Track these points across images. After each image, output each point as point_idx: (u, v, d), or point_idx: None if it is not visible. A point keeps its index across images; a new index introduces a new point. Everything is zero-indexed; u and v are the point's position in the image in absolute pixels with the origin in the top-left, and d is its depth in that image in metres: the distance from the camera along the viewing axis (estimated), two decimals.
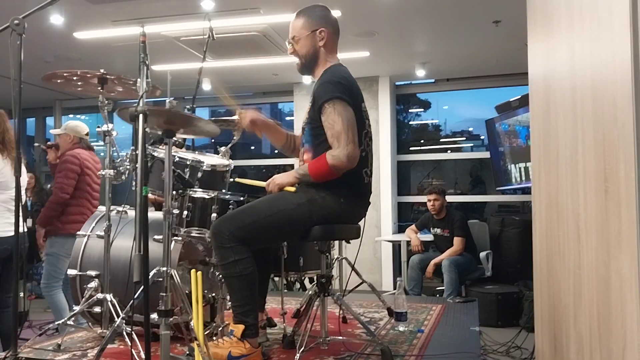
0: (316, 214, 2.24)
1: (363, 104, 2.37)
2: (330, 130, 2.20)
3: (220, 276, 2.46)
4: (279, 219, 2.22)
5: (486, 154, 6.53)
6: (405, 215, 7.04)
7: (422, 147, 7.36)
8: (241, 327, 2.16)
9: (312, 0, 2.45)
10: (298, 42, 2.38)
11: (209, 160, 2.76)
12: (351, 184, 2.29)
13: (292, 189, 2.31)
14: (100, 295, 2.56)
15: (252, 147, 8.97)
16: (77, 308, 2.61)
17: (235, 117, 2.55)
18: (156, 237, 2.47)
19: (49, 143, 4.30)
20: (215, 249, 2.22)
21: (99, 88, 2.65)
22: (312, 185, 2.29)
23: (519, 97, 5.63)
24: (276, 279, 4.08)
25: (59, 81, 2.71)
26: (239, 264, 2.15)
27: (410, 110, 7.50)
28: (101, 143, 2.72)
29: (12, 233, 3.08)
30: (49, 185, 5.05)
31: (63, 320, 2.63)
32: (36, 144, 6.91)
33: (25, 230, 3.60)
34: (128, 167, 2.61)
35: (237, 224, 2.18)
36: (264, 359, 2.30)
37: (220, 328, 2.47)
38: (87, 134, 4.10)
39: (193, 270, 1.91)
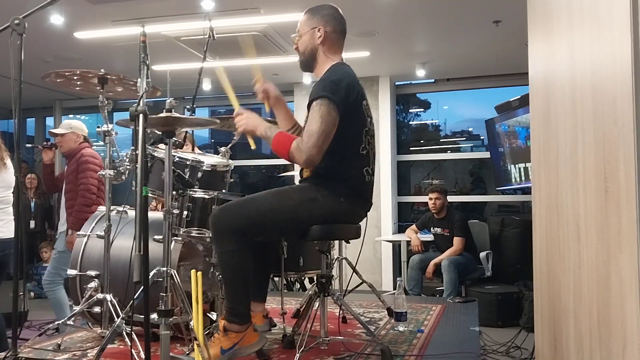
0: (316, 213, 2.24)
1: (364, 101, 2.36)
2: (307, 125, 2.22)
3: (217, 273, 2.47)
4: (279, 215, 2.23)
5: (486, 154, 6.53)
6: (405, 215, 7.03)
7: (422, 147, 7.36)
8: (223, 321, 2.19)
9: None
10: (301, 37, 2.42)
11: (209, 160, 2.76)
12: (352, 183, 2.30)
13: (253, 145, 2.34)
14: (100, 295, 2.56)
15: (252, 148, 8.97)
16: (77, 308, 2.61)
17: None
18: (156, 237, 2.47)
19: (46, 143, 4.21)
20: (214, 237, 2.22)
21: (99, 88, 2.65)
22: (315, 183, 2.29)
23: (519, 97, 5.63)
24: (276, 279, 4.08)
25: (59, 80, 2.71)
26: (235, 255, 2.15)
27: (410, 110, 7.49)
28: (101, 143, 2.72)
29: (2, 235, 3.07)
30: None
31: (63, 320, 2.63)
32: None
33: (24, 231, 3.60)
34: (128, 167, 2.61)
35: (237, 216, 2.18)
36: (264, 358, 2.31)
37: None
38: (87, 133, 4.09)
39: (193, 270, 1.91)
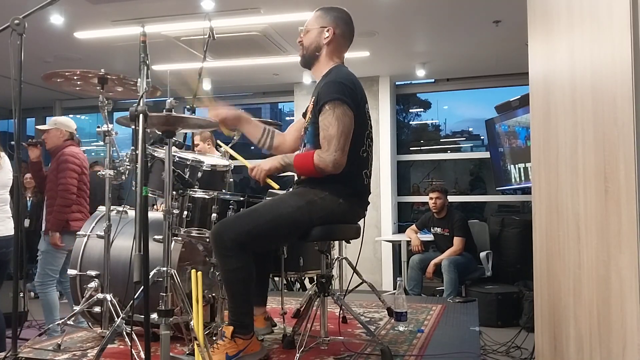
0: (316, 215, 2.24)
1: (366, 105, 2.37)
2: (324, 131, 2.21)
3: (220, 278, 2.47)
4: (279, 223, 2.22)
5: (486, 154, 6.53)
6: (405, 215, 7.04)
7: (422, 147, 7.36)
8: (230, 328, 2.19)
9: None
10: (307, 33, 2.42)
11: (209, 160, 2.76)
12: (351, 185, 2.30)
13: (276, 186, 2.34)
14: (100, 295, 2.56)
15: (252, 147, 8.98)
16: (77, 308, 2.61)
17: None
18: (156, 237, 2.47)
19: (30, 141, 4.16)
20: (216, 255, 2.23)
21: (99, 88, 2.65)
22: (311, 186, 2.30)
23: (519, 97, 5.63)
24: (276, 279, 4.07)
25: (59, 80, 2.71)
26: (239, 272, 2.16)
27: (410, 110, 7.50)
28: (101, 143, 2.72)
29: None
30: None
31: (63, 320, 2.63)
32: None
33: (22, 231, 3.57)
34: (128, 167, 2.61)
35: (238, 230, 2.17)
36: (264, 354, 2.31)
37: (220, 328, 2.47)
38: (75, 129, 4.04)
39: (193, 270, 1.91)
